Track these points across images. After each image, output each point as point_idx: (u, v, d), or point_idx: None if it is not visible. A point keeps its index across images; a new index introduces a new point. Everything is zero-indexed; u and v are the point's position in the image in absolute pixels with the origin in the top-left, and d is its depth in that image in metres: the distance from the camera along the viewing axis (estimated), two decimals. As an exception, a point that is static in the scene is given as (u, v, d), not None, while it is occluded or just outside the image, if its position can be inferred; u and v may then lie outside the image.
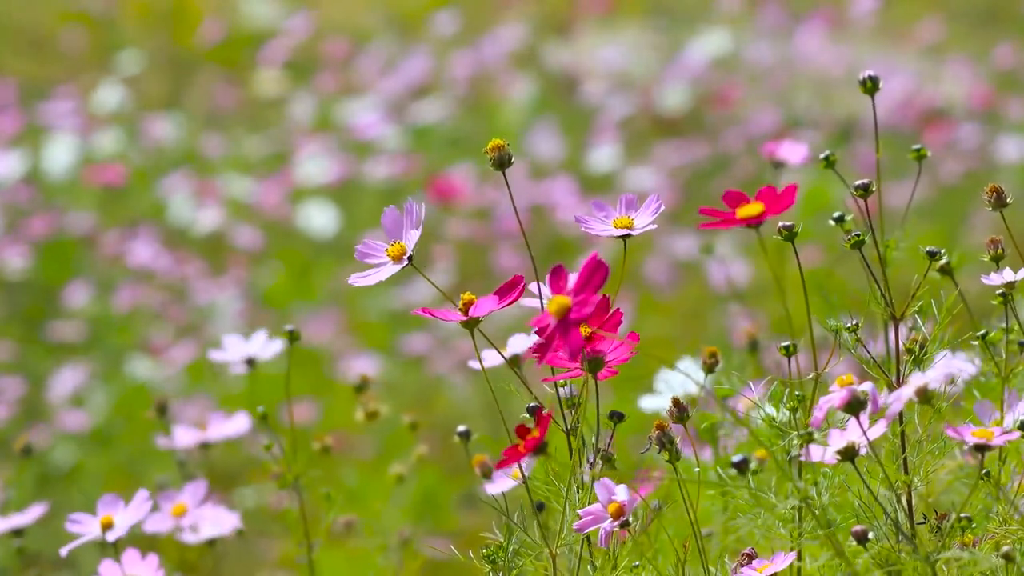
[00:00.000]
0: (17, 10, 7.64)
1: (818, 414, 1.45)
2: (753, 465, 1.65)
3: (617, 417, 1.51)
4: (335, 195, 5.78)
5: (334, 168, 5.87)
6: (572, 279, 1.37)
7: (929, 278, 1.55)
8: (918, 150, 1.60)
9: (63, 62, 7.15)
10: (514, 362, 1.62)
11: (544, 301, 1.48)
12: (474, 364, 1.58)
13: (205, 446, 2.09)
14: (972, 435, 1.43)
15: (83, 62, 7.14)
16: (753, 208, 1.42)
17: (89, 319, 5.10)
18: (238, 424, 2.06)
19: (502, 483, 1.55)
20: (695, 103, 6.44)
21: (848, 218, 1.53)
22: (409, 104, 6.40)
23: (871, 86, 1.58)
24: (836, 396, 1.43)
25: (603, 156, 5.94)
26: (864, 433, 1.39)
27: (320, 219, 5.62)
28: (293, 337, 1.84)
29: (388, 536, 2.08)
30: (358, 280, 1.53)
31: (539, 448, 1.41)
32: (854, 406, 1.37)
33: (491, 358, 1.60)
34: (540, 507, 1.52)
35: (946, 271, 1.55)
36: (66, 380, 4.66)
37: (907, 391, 1.36)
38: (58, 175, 5.92)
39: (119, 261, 5.39)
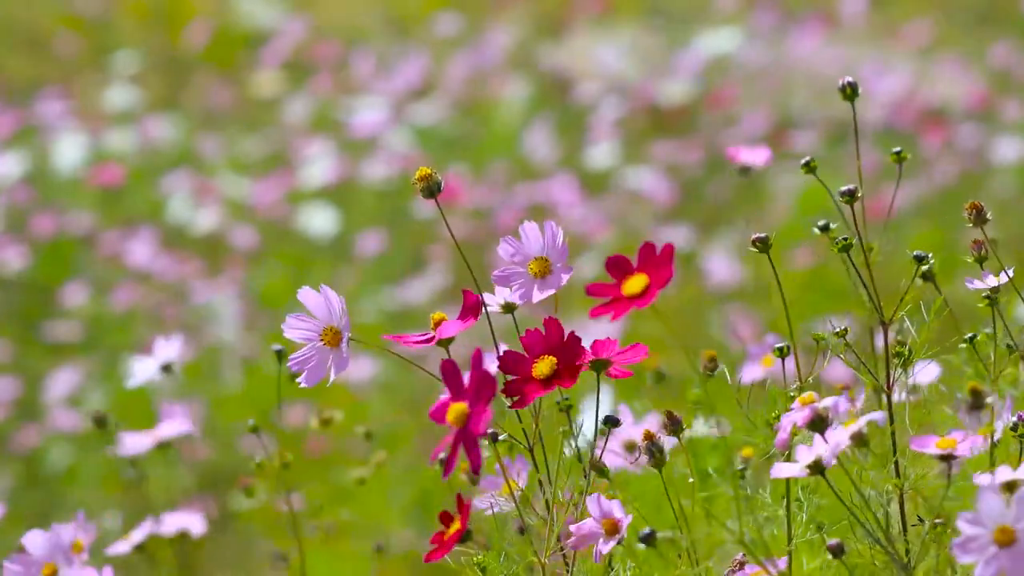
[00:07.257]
0: (15, 10, 7.64)
1: (782, 434, 1.46)
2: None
3: (613, 423, 1.51)
4: (332, 195, 5.78)
5: (332, 169, 5.88)
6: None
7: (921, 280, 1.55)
8: (898, 153, 1.60)
9: (60, 63, 7.16)
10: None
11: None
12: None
13: (161, 446, 1.99)
14: (936, 446, 1.44)
15: (80, 63, 7.14)
16: (638, 283, 1.42)
17: (86, 319, 5.10)
18: (179, 425, 1.98)
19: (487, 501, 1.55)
20: (690, 103, 6.44)
21: (834, 225, 1.53)
22: (406, 105, 6.41)
23: (851, 92, 1.59)
24: (798, 415, 1.44)
25: (601, 153, 5.95)
26: (829, 449, 1.39)
27: (320, 221, 5.62)
28: (282, 358, 1.82)
29: (381, 537, 2.08)
30: (301, 372, 1.47)
31: (463, 539, 1.46)
32: (817, 424, 1.39)
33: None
34: (521, 531, 1.52)
35: (928, 277, 1.56)
36: (63, 380, 4.66)
37: (843, 437, 1.37)
38: (66, 172, 5.92)
39: (117, 261, 5.39)
